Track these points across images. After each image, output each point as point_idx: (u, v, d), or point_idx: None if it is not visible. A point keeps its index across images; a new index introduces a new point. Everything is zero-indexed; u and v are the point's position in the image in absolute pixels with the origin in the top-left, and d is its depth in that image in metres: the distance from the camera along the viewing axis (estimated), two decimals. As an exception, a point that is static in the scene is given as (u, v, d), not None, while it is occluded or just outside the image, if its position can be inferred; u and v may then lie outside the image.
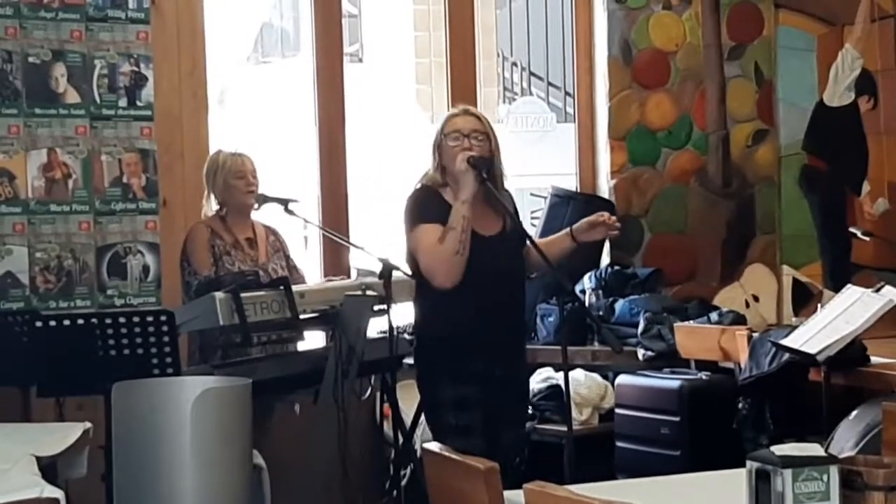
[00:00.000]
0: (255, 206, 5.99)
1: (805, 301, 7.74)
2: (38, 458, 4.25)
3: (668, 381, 6.34)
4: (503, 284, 5.13)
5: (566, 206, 7.39)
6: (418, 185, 5.23)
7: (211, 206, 6.05)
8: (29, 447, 4.36)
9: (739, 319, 6.65)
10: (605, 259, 7.56)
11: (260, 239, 6.08)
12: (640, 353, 6.66)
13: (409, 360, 5.50)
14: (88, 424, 4.87)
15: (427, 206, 5.14)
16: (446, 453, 3.52)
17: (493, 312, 5.10)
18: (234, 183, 6.00)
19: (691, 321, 6.70)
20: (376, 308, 5.44)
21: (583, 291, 7.13)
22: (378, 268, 5.42)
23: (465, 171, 5.02)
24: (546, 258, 5.07)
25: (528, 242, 5.23)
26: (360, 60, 13.39)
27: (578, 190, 7.74)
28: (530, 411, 6.62)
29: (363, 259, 5.78)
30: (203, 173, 6.08)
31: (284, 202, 5.92)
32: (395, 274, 5.35)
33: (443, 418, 5.16)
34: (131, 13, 6.53)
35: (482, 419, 5.08)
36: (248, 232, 6.05)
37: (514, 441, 5.22)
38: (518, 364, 5.29)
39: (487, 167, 5.05)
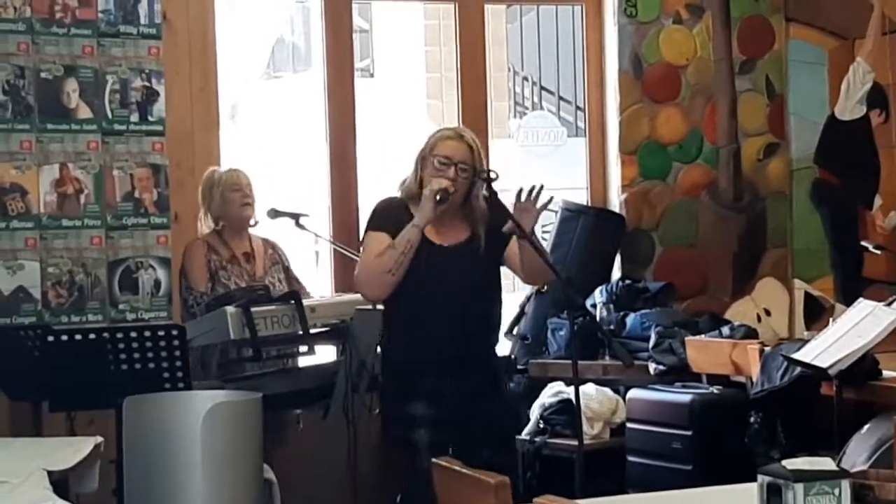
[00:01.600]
0: (253, 220, 6.02)
1: (817, 315, 7.72)
2: (50, 473, 4.26)
3: (680, 396, 6.33)
4: (458, 296, 5.03)
5: (577, 221, 7.39)
6: (386, 197, 5.18)
7: (207, 223, 6.08)
8: (40, 461, 4.36)
9: (751, 333, 6.63)
10: (616, 273, 7.55)
11: (258, 253, 6.10)
12: (652, 367, 6.65)
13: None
14: (100, 439, 4.87)
15: (386, 215, 5.09)
16: (455, 468, 3.51)
17: (447, 325, 5.00)
18: (231, 196, 6.03)
19: (702, 335, 6.69)
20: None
21: (594, 305, 7.12)
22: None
23: (429, 199, 4.96)
24: (548, 262, 4.98)
25: (506, 253, 5.13)
26: (371, 75, 13.41)
27: (589, 204, 7.74)
28: (541, 426, 6.63)
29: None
30: (199, 192, 6.11)
31: (295, 216, 5.94)
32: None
33: (391, 434, 5.13)
34: (143, 29, 6.54)
35: (431, 437, 4.98)
36: (245, 246, 6.08)
37: (491, 460, 5.06)
38: (480, 381, 5.12)
39: (448, 201, 4.98)
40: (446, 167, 5.03)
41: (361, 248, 5.17)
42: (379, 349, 5.30)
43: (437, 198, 4.95)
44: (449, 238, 5.09)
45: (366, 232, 5.13)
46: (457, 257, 5.06)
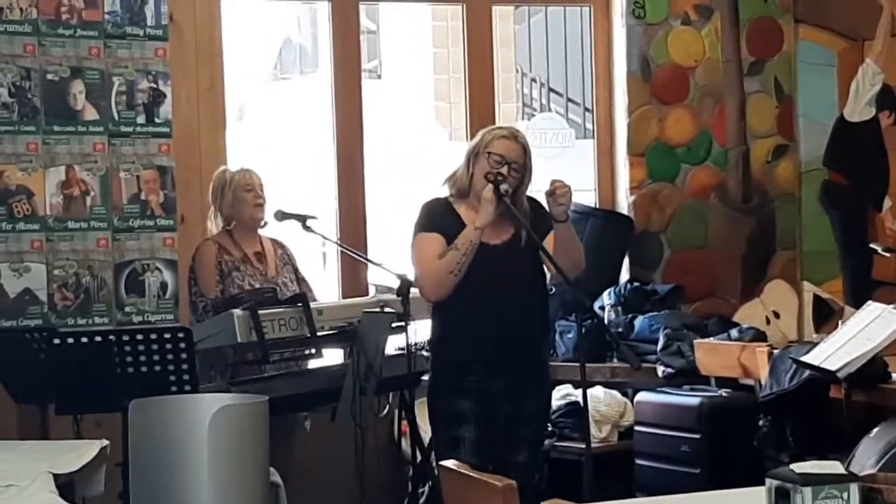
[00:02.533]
0: (263, 220, 6.02)
1: (826, 318, 7.72)
2: (56, 476, 4.27)
3: (688, 399, 6.33)
4: (507, 294, 5.08)
5: (585, 223, 7.38)
6: (432, 198, 5.21)
7: (217, 224, 6.07)
8: (46, 464, 4.37)
9: (760, 336, 6.63)
10: (625, 275, 7.55)
11: (268, 253, 6.09)
12: (660, 369, 6.64)
13: (427, 377, 5.50)
14: (106, 442, 4.88)
15: (435, 216, 5.13)
16: (464, 471, 3.52)
17: (496, 323, 5.05)
18: (244, 196, 6.01)
19: (711, 338, 6.68)
20: (394, 325, 5.46)
21: (602, 308, 7.12)
22: (396, 284, 5.43)
23: (490, 199, 5.01)
24: (556, 265, 5.00)
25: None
26: (379, 77, 13.41)
27: (597, 206, 7.73)
28: (549, 428, 6.63)
29: (381, 276, 5.79)
30: (209, 191, 6.10)
31: (303, 218, 5.94)
32: (413, 291, 5.36)
33: (439, 432, 5.15)
34: (149, 30, 6.56)
35: (477, 434, 5.03)
36: (256, 246, 6.07)
37: (526, 460, 5.17)
38: (526, 379, 5.18)
39: (507, 206, 5.02)
40: (499, 165, 5.05)
41: (413, 251, 5.16)
42: (427, 349, 5.38)
43: (498, 196, 4.97)
44: (494, 237, 5.12)
45: (416, 233, 5.15)
46: (503, 255, 5.11)
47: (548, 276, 5.27)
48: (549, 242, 5.15)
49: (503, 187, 4.99)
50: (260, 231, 6.12)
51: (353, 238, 7.02)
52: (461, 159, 5.20)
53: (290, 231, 6.09)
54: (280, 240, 6.21)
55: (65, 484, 4.34)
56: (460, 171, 5.17)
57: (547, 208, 5.14)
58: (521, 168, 5.11)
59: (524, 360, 5.17)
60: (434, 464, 5.40)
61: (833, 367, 5.50)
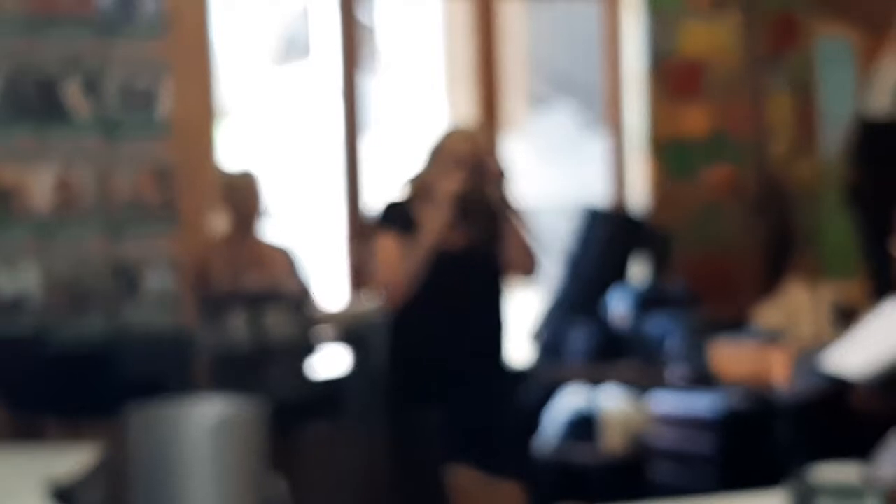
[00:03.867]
0: (265, 222, 6.06)
1: (846, 319, 7.72)
2: (52, 482, 4.28)
3: (704, 401, 6.34)
4: (465, 302, 5.10)
5: (596, 221, 7.40)
6: (393, 199, 5.21)
7: (223, 225, 6.11)
8: (43, 470, 4.39)
9: (778, 338, 6.64)
10: (638, 275, 7.56)
11: (274, 256, 6.13)
12: (675, 372, 6.66)
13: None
14: (103, 448, 4.90)
15: (393, 216, 5.14)
16: (474, 477, 3.54)
17: (451, 334, 5.07)
18: (246, 201, 6.05)
19: (727, 340, 6.69)
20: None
21: (614, 309, 7.13)
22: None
23: (444, 202, 5.02)
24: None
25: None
26: (384, 70, 13.41)
27: (609, 203, 7.74)
28: (559, 432, 6.64)
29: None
30: (220, 193, 6.13)
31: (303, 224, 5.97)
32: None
33: (402, 442, 5.13)
34: (145, 26, 6.57)
35: (441, 447, 4.99)
36: (261, 249, 6.11)
37: (504, 467, 5.10)
38: (488, 388, 5.17)
39: (468, 208, 5.05)
40: (457, 166, 5.06)
41: (376, 251, 5.19)
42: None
43: (452, 198, 4.97)
44: (455, 243, 5.12)
45: (377, 234, 5.16)
46: (463, 263, 5.11)
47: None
48: None
49: (461, 196, 5.01)
50: (266, 235, 6.15)
51: (356, 235, 7.03)
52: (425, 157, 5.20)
53: (294, 234, 6.12)
54: (286, 244, 6.24)
55: (61, 491, 4.36)
56: (420, 174, 5.19)
57: None
58: (479, 167, 5.09)
59: (483, 369, 5.17)
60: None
61: (853, 371, 5.51)
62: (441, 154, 5.12)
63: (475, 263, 5.10)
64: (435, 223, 5.00)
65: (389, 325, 5.21)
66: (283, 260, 6.17)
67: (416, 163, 5.21)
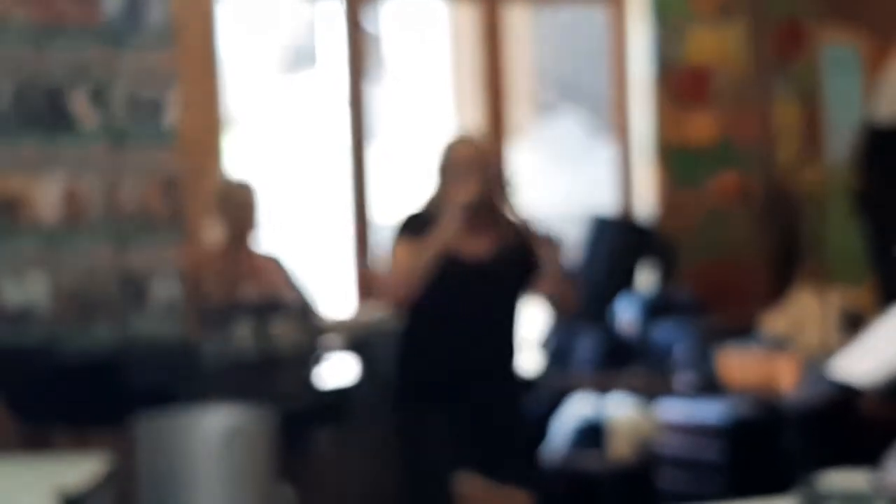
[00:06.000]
0: (260, 233, 6.08)
1: (853, 326, 7.73)
2: (62, 491, 4.30)
3: (711, 408, 6.35)
4: (476, 315, 5.12)
5: (603, 229, 7.42)
6: (414, 212, 5.22)
7: (219, 235, 6.13)
8: (53, 480, 4.41)
9: (785, 345, 6.65)
10: (645, 283, 7.57)
11: (269, 267, 6.15)
12: (682, 379, 6.67)
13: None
14: (112, 456, 4.92)
15: (413, 225, 5.14)
16: (479, 484, 3.56)
17: (463, 344, 5.08)
18: (239, 214, 6.08)
19: (735, 347, 6.71)
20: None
21: (621, 316, 7.14)
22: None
23: (454, 208, 5.03)
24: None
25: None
26: (390, 79, 13.43)
27: (616, 211, 7.75)
28: (567, 439, 6.66)
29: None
30: (215, 204, 6.16)
31: (304, 231, 5.99)
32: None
33: (409, 448, 5.14)
34: (152, 36, 6.59)
35: (447, 455, 4.97)
36: (257, 260, 6.13)
37: (519, 477, 5.13)
38: (496, 396, 5.19)
39: (479, 211, 5.07)
40: (463, 175, 5.09)
41: (391, 260, 5.18)
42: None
43: (463, 207, 4.99)
44: (475, 250, 5.13)
45: (394, 243, 5.17)
46: (483, 272, 5.12)
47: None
48: None
49: (467, 203, 5.03)
50: (261, 246, 6.17)
51: (361, 244, 7.05)
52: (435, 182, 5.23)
53: (298, 243, 6.14)
54: (275, 254, 6.25)
55: (70, 500, 4.38)
56: (433, 192, 5.20)
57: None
58: (484, 172, 5.11)
59: (493, 379, 5.19)
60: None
61: (860, 378, 5.52)
62: (447, 164, 5.14)
63: (490, 273, 5.12)
64: (445, 228, 5.02)
65: (403, 332, 5.22)
66: (276, 270, 6.19)
67: (425, 173, 5.23)
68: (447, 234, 5.01)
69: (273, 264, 6.20)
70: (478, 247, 5.12)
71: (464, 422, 5.06)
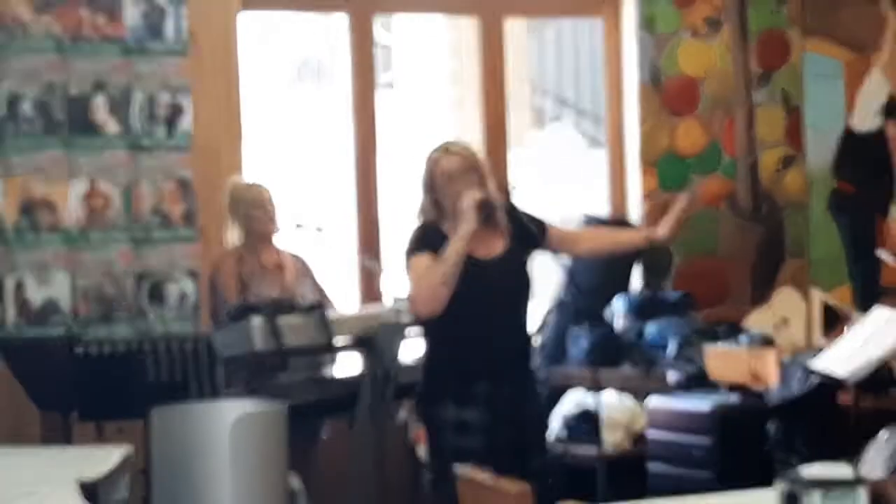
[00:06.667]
0: (277, 232, 6.05)
1: (834, 324, 7.70)
2: (80, 482, 4.28)
3: (699, 404, 6.33)
4: (502, 308, 5.08)
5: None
6: (419, 223, 5.16)
7: (235, 236, 6.11)
8: (70, 471, 4.39)
9: (769, 342, 6.62)
10: (636, 283, 7.55)
11: (287, 265, 6.12)
12: (671, 375, 6.65)
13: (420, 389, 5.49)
14: (129, 448, 4.90)
15: (424, 239, 5.08)
16: (478, 477, 3.53)
17: (493, 335, 5.04)
18: (254, 213, 6.05)
19: (721, 344, 6.68)
20: (410, 333, 5.47)
21: (613, 315, 7.12)
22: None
23: (470, 209, 4.96)
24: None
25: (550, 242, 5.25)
26: (393, 88, 13.43)
27: (609, 215, 7.74)
28: (562, 434, 6.64)
29: (397, 285, 5.81)
30: (225, 205, 6.14)
31: (315, 229, 5.97)
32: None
33: (443, 441, 5.10)
34: (170, 45, 6.58)
35: (484, 444, 4.98)
36: (274, 258, 6.11)
37: (537, 466, 5.13)
38: (524, 386, 5.18)
39: (491, 209, 5.04)
40: (452, 182, 5.05)
41: (407, 273, 5.10)
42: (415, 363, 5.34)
43: (479, 205, 4.96)
44: (487, 250, 5.09)
45: (407, 258, 5.09)
46: (498, 268, 5.08)
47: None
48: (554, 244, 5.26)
49: (482, 199, 4.98)
50: (279, 243, 6.15)
51: (369, 247, 7.04)
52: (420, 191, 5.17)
53: (309, 242, 6.12)
54: (299, 253, 6.23)
55: (88, 490, 4.36)
56: (424, 204, 5.14)
57: (536, 220, 5.21)
58: (469, 170, 5.07)
59: (520, 369, 5.18)
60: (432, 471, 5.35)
61: (842, 373, 5.51)
62: (441, 173, 5.09)
63: (505, 269, 5.07)
64: (464, 231, 4.97)
65: (430, 335, 5.17)
66: (296, 267, 6.16)
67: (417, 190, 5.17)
68: (467, 235, 4.97)
69: (293, 261, 6.17)
70: (487, 246, 5.09)
71: (492, 412, 5.03)
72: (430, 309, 5.01)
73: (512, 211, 5.18)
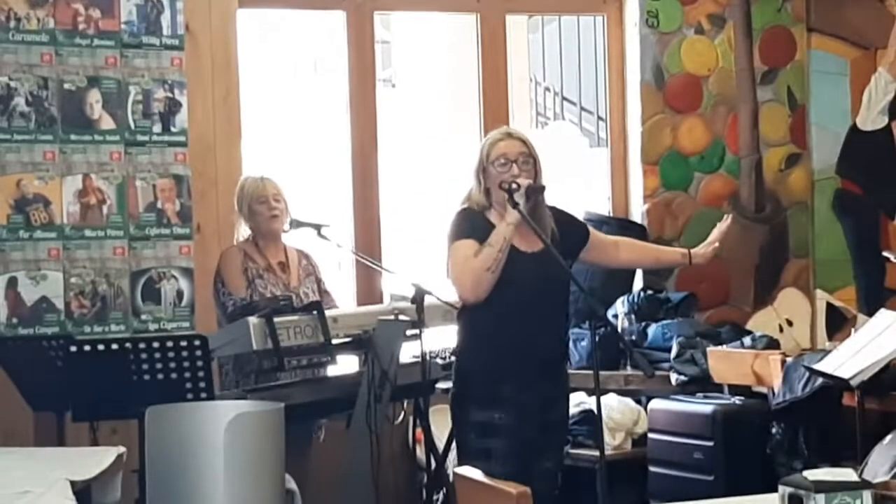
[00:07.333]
0: (287, 229, 6.02)
1: (839, 325, 7.70)
2: (73, 483, 4.27)
3: (702, 406, 6.32)
4: (542, 300, 5.06)
5: (599, 230, 7.37)
6: (462, 207, 5.15)
7: (242, 232, 6.09)
8: (63, 471, 4.38)
9: (773, 344, 6.61)
10: (638, 283, 7.54)
11: (292, 263, 6.11)
12: (673, 377, 6.64)
13: (442, 385, 5.49)
14: (122, 449, 4.89)
15: (468, 224, 5.06)
16: (478, 478, 3.52)
17: (531, 330, 5.02)
18: (257, 208, 6.03)
19: (724, 346, 6.68)
20: (409, 333, 5.46)
21: (615, 316, 7.11)
22: (411, 292, 5.44)
23: (520, 195, 4.97)
24: (571, 275, 5.00)
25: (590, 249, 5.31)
26: (393, 85, 13.43)
27: (611, 214, 7.73)
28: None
29: (396, 284, 5.79)
30: (234, 200, 6.13)
31: (317, 227, 5.95)
32: (428, 299, 5.37)
33: (468, 441, 5.10)
34: (166, 40, 6.58)
35: (508, 444, 4.99)
36: (280, 256, 6.08)
37: (551, 466, 5.16)
38: (555, 387, 5.18)
39: (538, 195, 5.03)
40: (507, 166, 5.04)
41: (449, 259, 5.07)
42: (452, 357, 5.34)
43: (527, 192, 4.95)
44: (530, 244, 5.07)
45: (451, 243, 5.06)
46: (540, 262, 5.05)
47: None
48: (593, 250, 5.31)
49: (517, 196, 4.96)
50: (285, 241, 6.13)
51: (368, 246, 7.03)
52: (471, 177, 5.17)
53: (306, 239, 6.10)
54: (305, 250, 6.21)
55: (81, 491, 4.34)
56: (473, 189, 5.13)
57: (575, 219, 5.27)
58: (528, 157, 5.08)
59: (553, 368, 5.17)
60: (449, 471, 5.38)
61: (846, 375, 5.49)
62: (498, 156, 5.07)
63: (547, 261, 5.00)
64: (512, 214, 4.95)
65: (468, 325, 5.14)
66: (301, 265, 6.14)
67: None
68: (516, 220, 4.96)
69: (297, 258, 6.15)
70: (528, 241, 5.06)
71: (526, 411, 5.02)
72: (476, 295, 5.00)
73: (555, 210, 5.20)
